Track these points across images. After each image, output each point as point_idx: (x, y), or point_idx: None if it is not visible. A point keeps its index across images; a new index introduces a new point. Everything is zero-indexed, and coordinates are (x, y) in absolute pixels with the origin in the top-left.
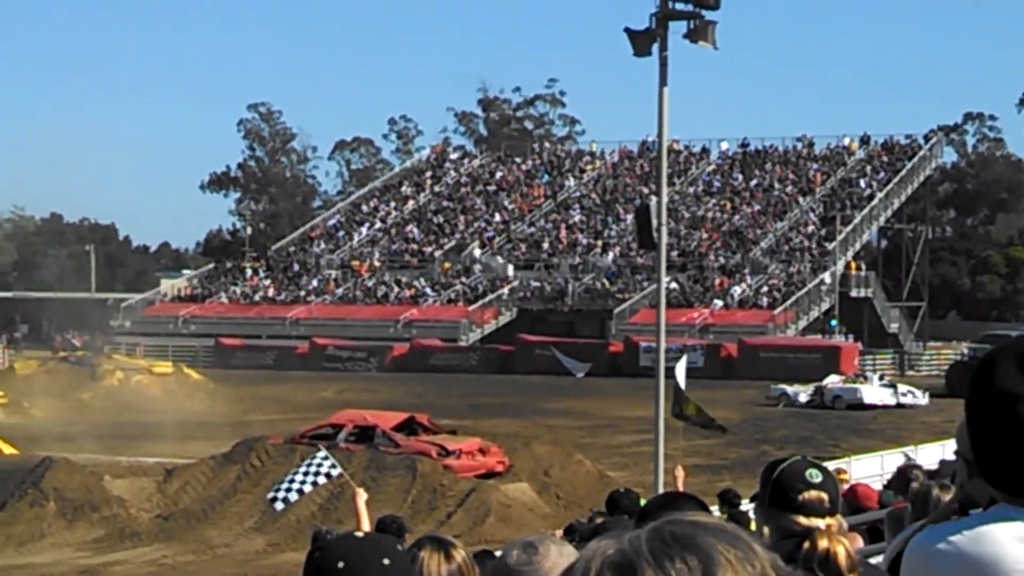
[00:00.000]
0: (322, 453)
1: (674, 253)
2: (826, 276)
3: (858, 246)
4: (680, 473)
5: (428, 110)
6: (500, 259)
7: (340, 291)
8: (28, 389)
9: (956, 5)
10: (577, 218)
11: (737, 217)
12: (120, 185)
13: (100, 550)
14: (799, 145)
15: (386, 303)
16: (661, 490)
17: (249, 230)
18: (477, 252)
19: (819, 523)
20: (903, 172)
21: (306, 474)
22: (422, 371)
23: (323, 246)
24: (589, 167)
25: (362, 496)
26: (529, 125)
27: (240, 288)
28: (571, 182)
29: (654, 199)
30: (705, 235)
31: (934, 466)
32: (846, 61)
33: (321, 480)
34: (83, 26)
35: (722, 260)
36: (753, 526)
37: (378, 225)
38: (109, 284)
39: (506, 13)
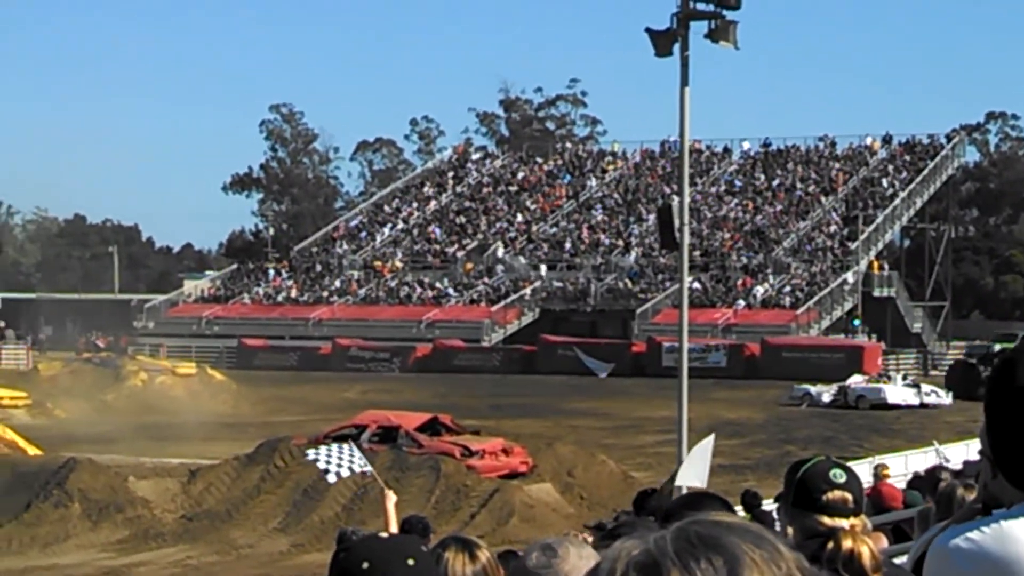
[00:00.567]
0: (358, 457)
1: (696, 253)
2: (849, 276)
3: (881, 246)
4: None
5: (450, 111)
6: (523, 259)
7: (363, 292)
8: (52, 390)
9: (978, 4)
10: (599, 218)
11: (759, 217)
12: (143, 186)
13: (124, 551)
14: (821, 145)
15: (409, 304)
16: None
17: (272, 231)
18: (501, 252)
19: (843, 523)
20: (925, 171)
21: (345, 462)
22: (445, 372)
23: (345, 247)
24: (611, 167)
25: (391, 498)
26: (551, 125)
27: (263, 289)
28: (593, 182)
29: (676, 199)
30: (727, 235)
31: (958, 466)
32: (868, 60)
33: (350, 471)
34: (104, 27)
35: (744, 260)
36: (777, 526)
37: (400, 226)
38: (132, 285)
39: (527, 13)
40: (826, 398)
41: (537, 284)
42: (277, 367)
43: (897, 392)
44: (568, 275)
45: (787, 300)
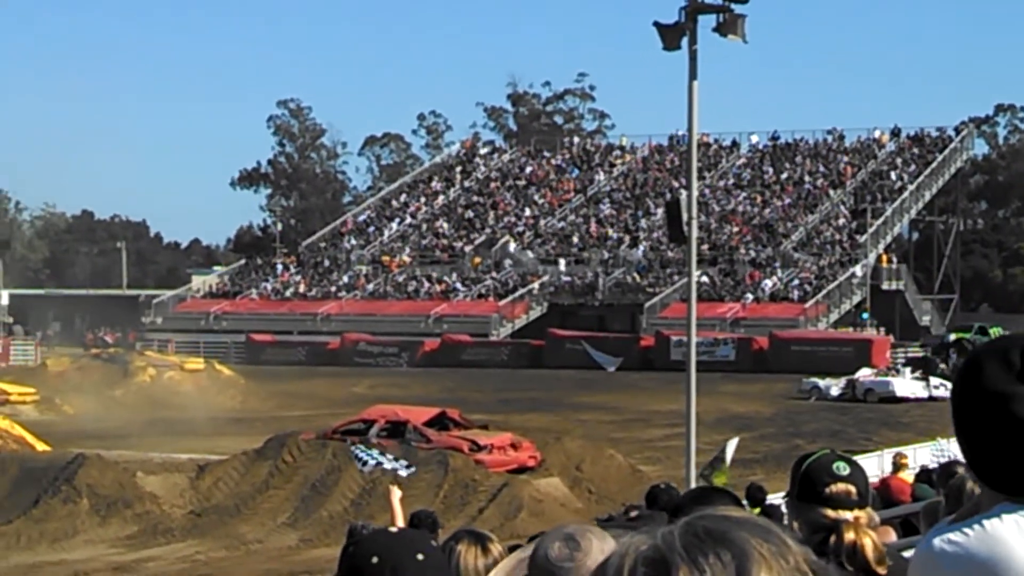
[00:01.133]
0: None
1: (705, 247)
2: (857, 269)
3: (889, 239)
4: None
5: (458, 105)
6: (531, 254)
7: (371, 287)
8: (60, 386)
9: None
10: (607, 212)
11: (768, 210)
12: (151, 182)
13: (133, 546)
14: (829, 138)
15: (416, 298)
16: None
17: (280, 226)
18: (512, 246)
19: (847, 516)
20: (934, 164)
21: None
22: (453, 366)
23: (353, 242)
24: (619, 161)
25: (396, 493)
26: (559, 119)
27: (271, 284)
28: (601, 176)
29: (684, 193)
30: (736, 229)
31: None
32: (876, 53)
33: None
34: (111, 23)
35: (753, 253)
36: (785, 520)
37: (408, 220)
38: (140, 281)
39: (536, 7)
40: (834, 391)
41: (545, 278)
42: (285, 362)
43: (905, 385)
44: (576, 269)
45: (795, 294)
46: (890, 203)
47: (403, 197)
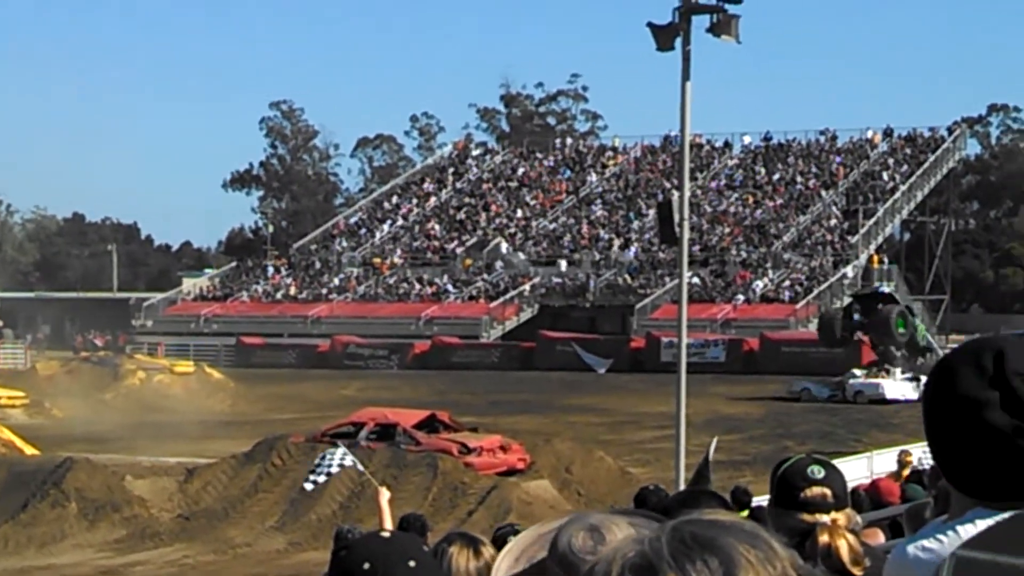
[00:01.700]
0: (341, 451)
1: (696, 248)
2: (848, 270)
3: (881, 239)
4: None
5: (450, 106)
6: (522, 255)
7: (362, 289)
8: (50, 389)
9: None
10: (599, 213)
11: (759, 211)
12: (142, 184)
13: (121, 550)
14: (822, 138)
15: (407, 300)
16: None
17: (271, 228)
18: (503, 248)
19: (824, 519)
20: (926, 164)
21: (328, 463)
22: (443, 368)
23: (345, 244)
24: (611, 162)
25: (385, 495)
26: (551, 120)
27: (262, 287)
28: (593, 177)
29: (676, 194)
30: (727, 230)
31: None
32: (869, 53)
33: (336, 469)
34: (103, 25)
35: (744, 255)
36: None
37: (400, 222)
38: (131, 284)
39: (528, 8)
40: (825, 393)
41: (536, 280)
42: (275, 365)
43: (895, 387)
44: (567, 271)
45: (786, 294)
46: (882, 203)
47: (395, 199)
